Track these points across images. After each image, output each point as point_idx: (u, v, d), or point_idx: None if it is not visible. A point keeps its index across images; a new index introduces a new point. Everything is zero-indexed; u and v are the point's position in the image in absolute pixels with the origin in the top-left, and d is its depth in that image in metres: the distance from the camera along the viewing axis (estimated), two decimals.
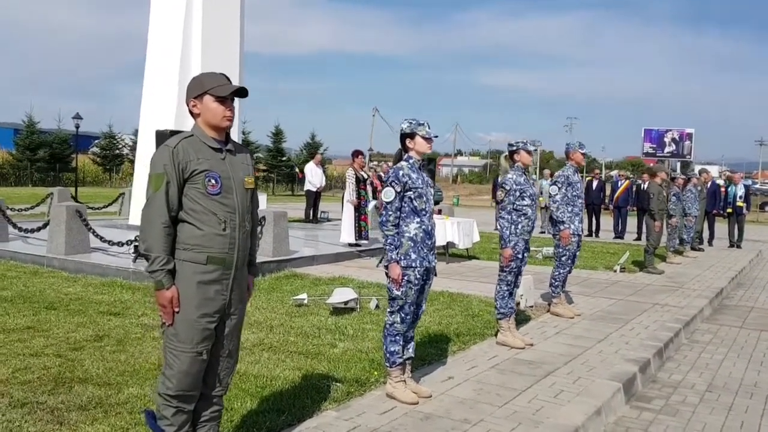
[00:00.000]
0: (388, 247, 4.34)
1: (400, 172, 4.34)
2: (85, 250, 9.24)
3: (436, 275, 4.61)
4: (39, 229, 9.92)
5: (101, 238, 9.16)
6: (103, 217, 15.08)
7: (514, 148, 6.03)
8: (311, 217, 16.94)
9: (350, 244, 11.57)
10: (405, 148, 4.46)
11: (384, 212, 4.32)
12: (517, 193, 5.88)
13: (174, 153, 2.88)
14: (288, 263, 9.64)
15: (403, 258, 4.31)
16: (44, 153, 38.89)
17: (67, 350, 5.14)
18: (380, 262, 10.42)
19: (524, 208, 5.89)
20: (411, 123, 4.44)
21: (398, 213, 4.32)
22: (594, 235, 16.78)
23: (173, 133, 9.35)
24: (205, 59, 12.47)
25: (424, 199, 4.38)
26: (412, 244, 4.32)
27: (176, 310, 2.90)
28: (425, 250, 4.38)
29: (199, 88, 2.97)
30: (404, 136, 4.44)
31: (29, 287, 7.56)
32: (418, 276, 4.34)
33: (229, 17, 13.00)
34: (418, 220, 4.35)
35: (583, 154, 7.32)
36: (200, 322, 2.92)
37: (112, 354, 5.09)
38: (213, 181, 2.91)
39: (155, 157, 2.92)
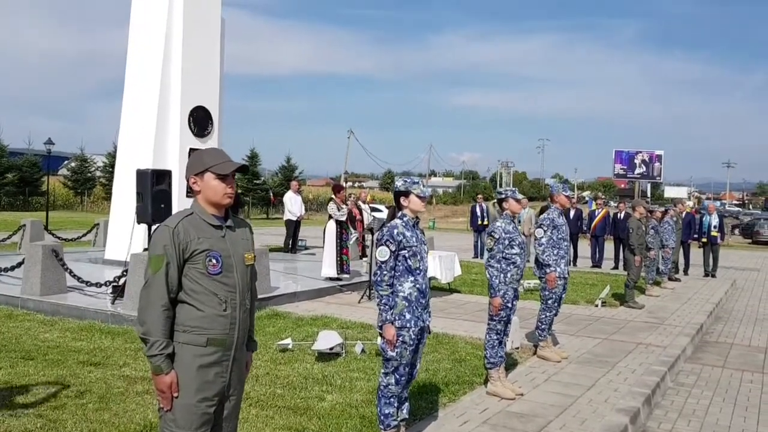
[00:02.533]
0: (382, 307, 4.28)
1: (395, 231, 4.30)
2: (62, 290, 9.03)
3: (430, 333, 4.56)
4: (13, 268, 9.67)
5: (79, 279, 8.96)
6: (78, 248, 14.79)
7: (503, 196, 6.04)
8: (290, 246, 16.81)
9: (331, 278, 11.48)
10: (399, 206, 4.43)
11: (379, 272, 4.27)
12: (506, 242, 5.87)
13: (174, 233, 2.81)
14: (269, 301, 9.52)
15: (397, 318, 4.25)
16: (13, 177, 38.22)
17: (48, 409, 4.98)
18: (362, 298, 10.36)
19: (513, 256, 5.88)
20: (406, 181, 4.42)
21: (392, 272, 4.27)
22: (572, 264, 16.87)
23: (154, 173, 9.28)
24: (185, 87, 12.40)
25: (419, 257, 4.34)
26: (407, 304, 4.27)
27: (175, 395, 2.81)
28: (419, 309, 4.33)
29: (200, 166, 2.91)
30: (399, 194, 4.41)
31: (4, 333, 7.35)
32: (413, 336, 4.28)
33: (208, 44, 12.96)
34: (413, 278, 4.31)
35: (567, 196, 7.37)
36: (200, 407, 2.84)
37: (95, 413, 4.94)
38: (214, 261, 2.85)
39: (155, 237, 2.85)
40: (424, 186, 4.43)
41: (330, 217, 11.70)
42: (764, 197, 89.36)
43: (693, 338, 8.78)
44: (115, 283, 8.74)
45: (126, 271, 8.44)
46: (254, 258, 3.08)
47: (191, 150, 12.27)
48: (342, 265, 11.60)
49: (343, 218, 11.54)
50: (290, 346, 7.03)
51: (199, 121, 12.65)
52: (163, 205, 9.22)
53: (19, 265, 9.45)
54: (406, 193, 4.37)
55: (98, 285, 8.87)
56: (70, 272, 9.09)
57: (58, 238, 15.24)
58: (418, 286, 4.32)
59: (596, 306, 10.81)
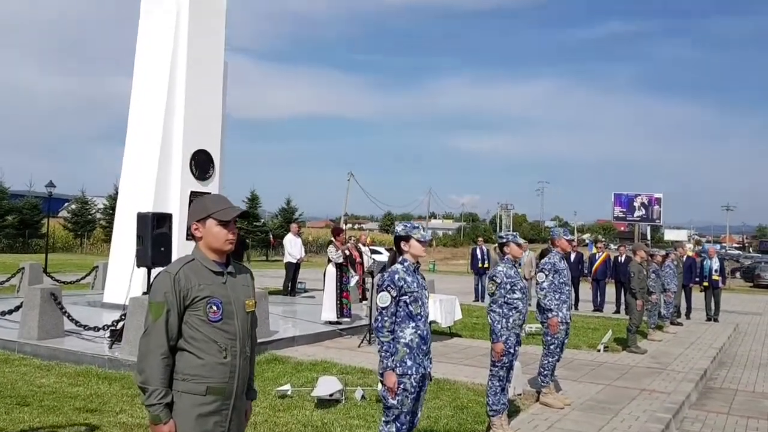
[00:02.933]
0: (383, 353, 4.23)
1: (396, 276, 4.28)
2: (59, 335, 8.94)
3: (431, 380, 4.50)
4: (11, 311, 9.61)
5: (76, 323, 8.89)
6: (76, 291, 14.72)
7: (504, 240, 6.04)
8: (289, 289, 16.74)
9: (331, 322, 11.40)
10: (399, 251, 4.42)
11: (379, 318, 4.23)
12: (508, 287, 5.85)
13: (176, 280, 2.79)
14: (269, 345, 9.43)
15: (398, 365, 4.20)
16: (13, 219, 38.26)
17: None
18: (362, 342, 10.27)
19: (515, 301, 5.84)
20: (406, 226, 4.42)
21: (394, 318, 4.24)
22: (574, 307, 16.78)
23: (155, 216, 9.29)
24: (188, 131, 12.52)
25: (420, 303, 4.31)
26: (408, 351, 4.22)
27: None
28: (421, 356, 4.28)
29: (202, 212, 2.92)
30: (399, 239, 4.40)
31: (0, 378, 7.25)
32: (415, 383, 4.22)
33: (211, 88, 13.14)
34: (414, 324, 4.27)
35: (568, 240, 7.37)
36: None
37: None
38: (214, 308, 2.82)
39: (156, 284, 2.83)
40: (424, 230, 4.43)
41: (329, 260, 11.68)
42: (759, 240, 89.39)
43: (697, 384, 8.67)
44: (113, 327, 8.67)
45: (124, 314, 8.39)
46: (255, 304, 3.06)
47: (192, 193, 12.33)
48: (342, 309, 11.53)
49: (340, 260, 11.51)
50: (289, 392, 6.94)
51: (201, 164, 12.73)
52: (163, 249, 9.20)
53: (17, 308, 9.40)
54: (407, 238, 4.37)
55: (96, 329, 8.80)
56: (68, 316, 9.03)
57: (57, 280, 15.18)
58: (419, 332, 4.28)
59: (598, 351, 10.71)
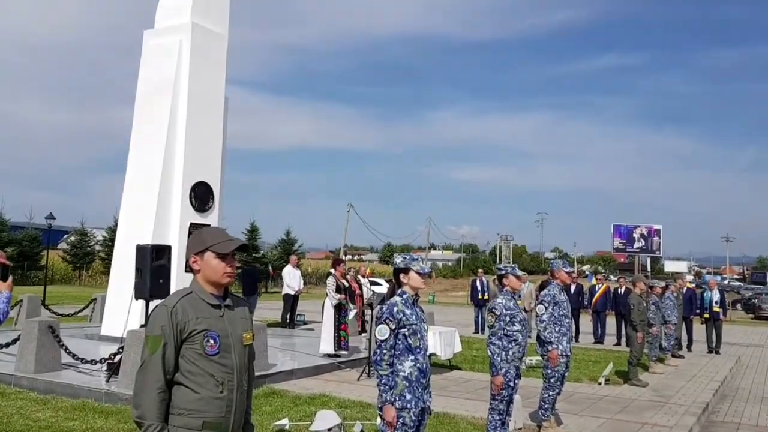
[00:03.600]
0: (382, 387, 4.19)
1: (395, 308, 4.26)
2: (56, 368, 8.87)
3: (431, 414, 4.46)
4: (8, 344, 9.54)
5: (74, 356, 8.82)
6: (74, 324, 14.64)
7: (503, 272, 6.04)
8: (288, 321, 16.65)
9: (329, 355, 11.32)
10: (399, 283, 4.41)
11: (378, 351, 4.21)
12: (507, 318, 5.83)
13: (173, 313, 2.78)
14: (266, 379, 9.35)
15: (397, 399, 4.16)
16: (13, 251, 38.18)
17: None
18: (361, 375, 10.18)
19: (515, 333, 5.82)
20: (405, 258, 4.42)
21: (392, 351, 4.21)
22: (574, 340, 16.69)
23: (154, 248, 9.29)
24: (188, 163, 12.58)
25: (419, 336, 4.29)
26: (407, 384, 4.19)
27: None
28: (420, 390, 4.25)
29: (200, 245, 2.92)
30: (398, 271, 4.40)
31: None
32: (414, 417, 4.18)
33: (212, 121, 13.26)
34: (413, 358, 4.24)
35: (568, 273, 7.36)
36: None
37: None
38: (212, 341, 2.81)
39: (153, 317, 2.82)
40: (423, 262, 4.43)
41: (327, 295, 11.66)
42: (752, 271, 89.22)
43: (699, 418, 8.58)
44: (110, 361, 8.61)
45: (122, 347, 8.33)
46: (253, 338, 3.04)
47: (192, 225, 12.34)
48: (340, 341, 11.46)
49: (335, 302, 11.43)
50: (287, 427, 6.86)
51: (201, 196, 12.78)
52: (161, 281, 9.19)
53: (15, 341, 9.33)
54: (406, 270, 4.36)
55: (93, 362, 8.73)
56: (66, 349, 8.97)
57: (55, 313, 15.11)
58: (418, 365, 4.25)
59: (599, 384, 10.62)
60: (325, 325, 11.51)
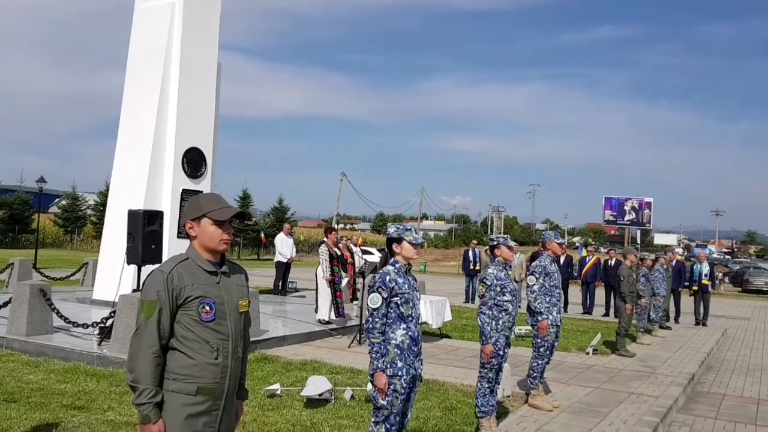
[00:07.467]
0: (374, 354, 4.23)
1: (387, 278, 4.29)
2: (48, 331, 8.89)
3: (422, 381, 4.51)
4: (0, 307, 9.54)
5: (65, 319, 8.84)
6: (66, 287, 14.65)
7: (495, 243, 6.05)
8: (279, 289, 16.72)
9: (324, 321, 11.39)
10: (391, 253, 4.43)
11: (370, 319, 4.24)
12: (498, 289, 5.87)
13: (168, 279, 2.78)
14: (258, 344, 9.40)
15: (389, 366, 4.20)
16: (3, 214, 38.04)
17: None
18: (352, 342, 10.26)
19: (505, 303, 5.86)
20: (398, 228, 4.43)
21: (384, 320, 4.24)
22: (563, 310, 16.86)
23: (146, 213, 9.26)
24: (180, 129, 12.47)
25: (411, 304, 4.32)
26: (399, 352, 4.23)
27: None
28: (411, 357, 4.29)
29: (197, 211, 2.91)
30: (391, 241, 4.41)
31: None
32: (405, 385, 4.23)
33: (205, 87, 13.10)
34: (405, 326, 4.27)
35: (559, 244, 7.40)
36: None
37: None
38: (207, 308, 2.82)
39: (148, 282, 2.82)
40: (416, 233, 4.44)
41: (319, 263, 11.68)
42: (753, 245, 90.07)
43: (685, 388, 8.71)
44: (102, 324, 8.63)
45: (114, 312, 8.35)
46: (249, 305, 3.05)
47: (184, 191, 12.30)
48: (338, 308, 11.54)
49: (328, 275, 11.44)
50: (278, 392, 6.93)
51: (193, 162, 12.70)
52: (153, 246, 9.17)
53: (6, 304, 9.33)
54: (399, 240, 4.37)
55: (85, 326, 8.75)
56: (57, 312, 8.98)
57: (47, 276, 15.11)
58: (410, 333, 4.28)
59: (587, 354, 10.76)
60: (322, 293, 11.54)
